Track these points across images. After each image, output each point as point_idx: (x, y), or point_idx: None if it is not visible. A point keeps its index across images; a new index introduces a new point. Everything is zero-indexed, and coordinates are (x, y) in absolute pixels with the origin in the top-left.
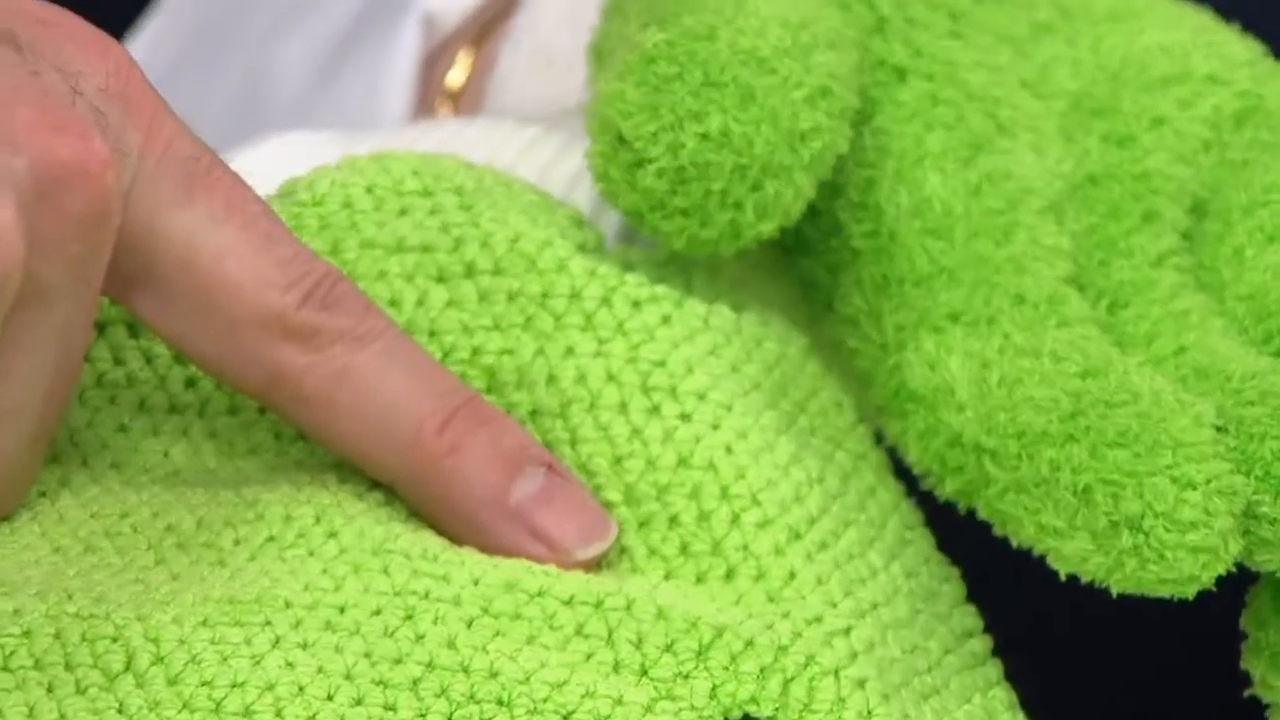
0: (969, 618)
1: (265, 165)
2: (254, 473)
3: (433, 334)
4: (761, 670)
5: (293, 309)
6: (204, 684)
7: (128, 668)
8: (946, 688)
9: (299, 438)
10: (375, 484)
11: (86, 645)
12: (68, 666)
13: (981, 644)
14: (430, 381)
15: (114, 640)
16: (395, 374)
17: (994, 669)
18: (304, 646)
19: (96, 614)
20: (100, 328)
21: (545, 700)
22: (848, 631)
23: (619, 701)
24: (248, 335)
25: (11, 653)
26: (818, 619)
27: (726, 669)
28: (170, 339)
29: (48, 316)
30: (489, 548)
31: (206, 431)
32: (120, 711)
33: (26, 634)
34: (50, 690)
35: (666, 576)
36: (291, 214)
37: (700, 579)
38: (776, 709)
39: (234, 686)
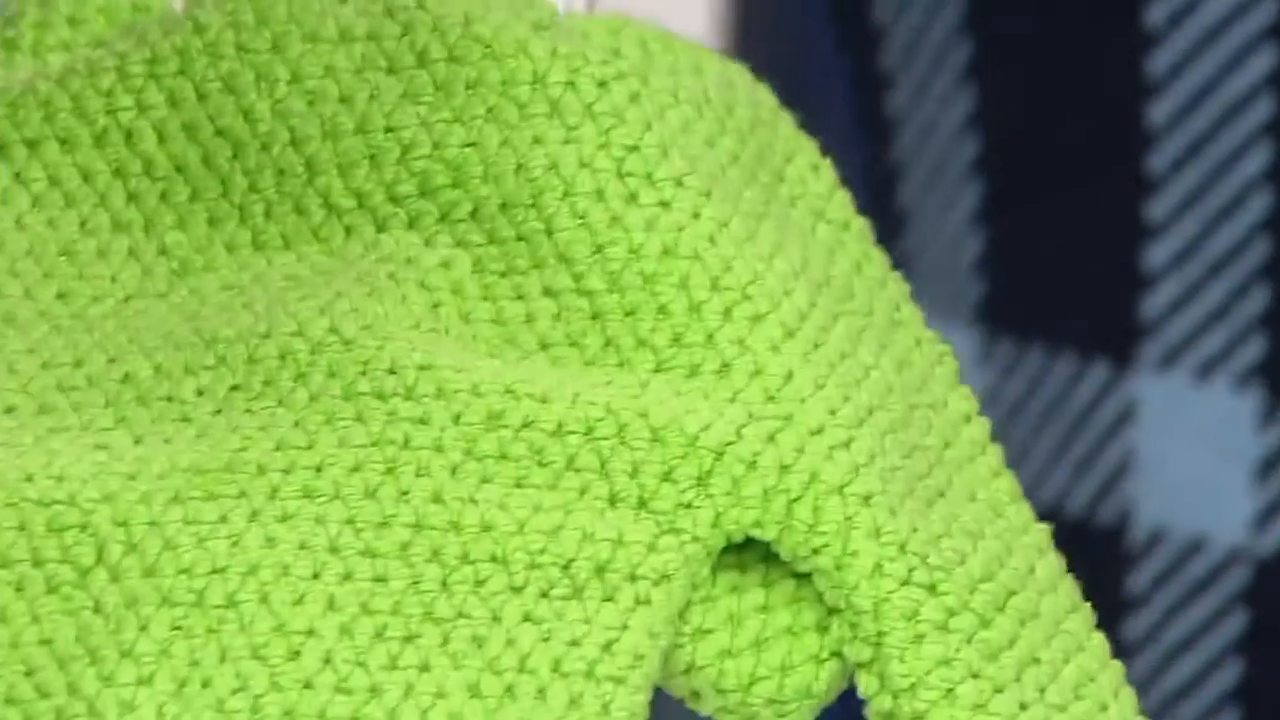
0: (964, 401)
1: None
2: (211, 293)
3: (390, 130)
4: (765, 492)
5: None
6: (182, 572)
7: (99, 560)
8: (950, 487)
9: (256, 246)
10: (339, 292)
11: (54, 537)
12: (35, 563)
13: (979, 429)
14: None
15: (82, 529)
16: None
17: (994, 456)
18: (283, 519)
19: (60, 499)
20: (32, 145)
21: (542, 552)
22: (849, 444)
23: (619, 543)
24: None
25: None
26: (819, 430)
27: (729, 495)
28: None
29: None
30: None
31: (156, 249)
32: (96, 610)
33: None
34: (20, 590)
35: (657, 369)
36: (225, 10)
37: (693, 372)
38: (781, 531)
39: (214, 573)
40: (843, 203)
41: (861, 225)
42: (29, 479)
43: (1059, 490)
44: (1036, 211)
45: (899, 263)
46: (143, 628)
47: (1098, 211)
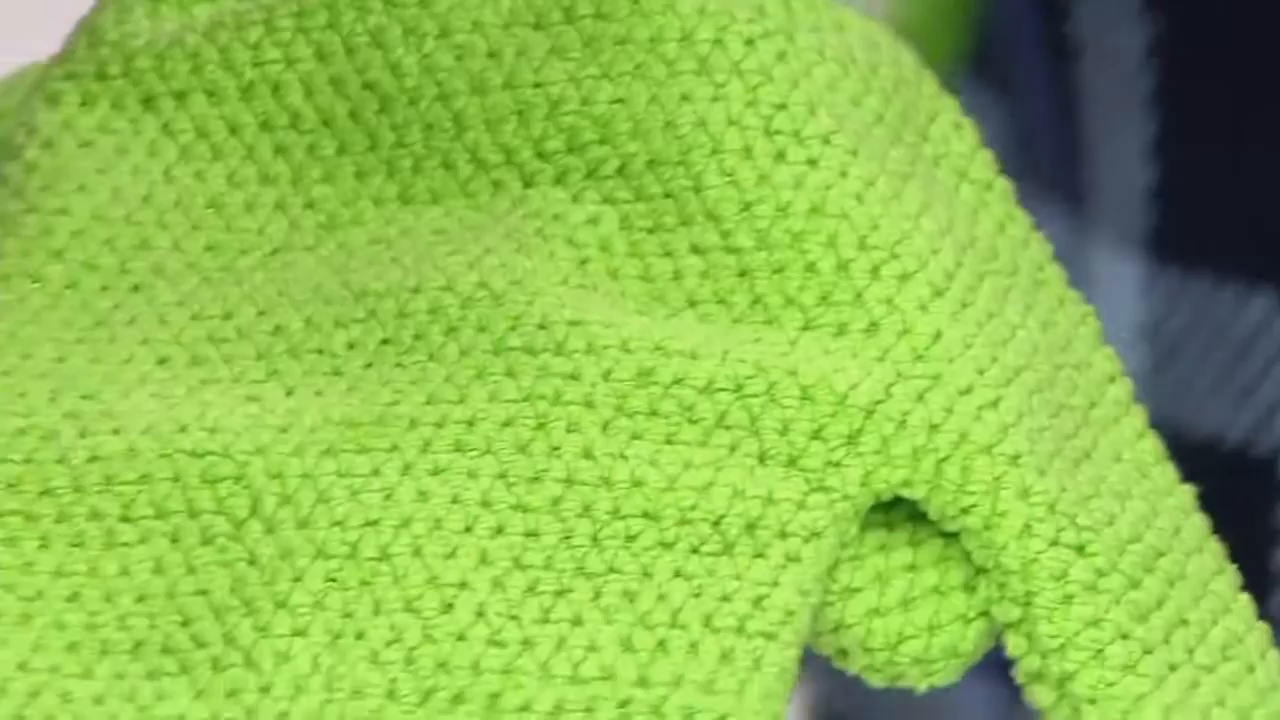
0: (1108, 361)
1: None
2: (359, 247)
3: (538, 85)
4: (914, 451)
5: None
6: (335, 524)
7: (254, 512)
8: (1096, 448)
9: (404, 201)
10: (487, 248)
11: (208, 488)
12: (190, 514)
13: (1124, 389)
14: None
15: (236, 480)
16: None
17: (1138, 417)
18: (435, 473)
19: (214, 450)
20: (179, 96)
21: (693, 508)
22: (997, 404)
23: (769, 500)
24: None
25: (131, 501)
26: (968, 390)
27: (878, 454)
28: None
29: None
30: None
31: (303, 202)
32: (251, 563)
33: (144, 479)
34: (175, 540)
35: (805, 327)
36: None
37: (841, 331)
38: (930, 490)
39: (367, 525)
40: (985, 162)
41: (1004, 185)
42: (183, 430)
43: (1219, 420)
44: (1209, 147)
45: (1075, 189)
46: (297, 579)
47: (1267, 147)
